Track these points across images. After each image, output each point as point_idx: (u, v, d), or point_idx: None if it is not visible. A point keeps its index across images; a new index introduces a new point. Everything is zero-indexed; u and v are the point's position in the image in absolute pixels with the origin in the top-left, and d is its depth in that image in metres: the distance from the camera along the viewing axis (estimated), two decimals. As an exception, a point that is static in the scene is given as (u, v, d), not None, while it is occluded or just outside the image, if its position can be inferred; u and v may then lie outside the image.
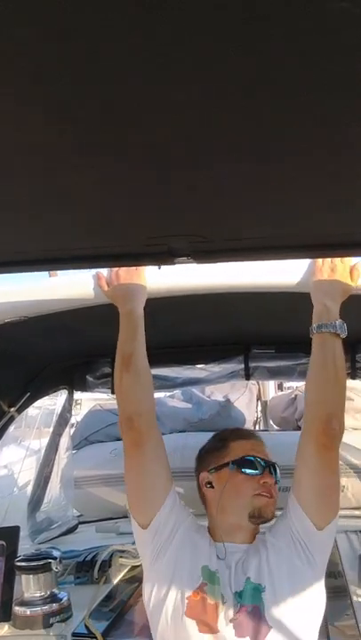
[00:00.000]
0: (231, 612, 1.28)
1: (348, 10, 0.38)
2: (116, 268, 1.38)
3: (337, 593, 1.83)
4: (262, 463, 1.41)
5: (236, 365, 2.13)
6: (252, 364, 2.12)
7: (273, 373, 2.19)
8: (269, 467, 1.42)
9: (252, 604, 1.28)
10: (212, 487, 1.43)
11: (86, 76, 0.46)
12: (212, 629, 1.27)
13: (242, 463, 1.40)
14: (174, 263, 1.03)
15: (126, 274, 1.37)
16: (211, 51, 0.43)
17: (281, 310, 1.70)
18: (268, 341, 2.12)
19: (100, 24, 0.39)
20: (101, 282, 1.38)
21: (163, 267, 1.36)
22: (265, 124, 0.55)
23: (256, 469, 1.39)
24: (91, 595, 1.79)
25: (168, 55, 0.43)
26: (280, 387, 4.76)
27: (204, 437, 2.74)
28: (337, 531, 2.27)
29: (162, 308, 1.52)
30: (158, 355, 2.01)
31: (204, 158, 0.62)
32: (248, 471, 1.39)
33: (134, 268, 1.37)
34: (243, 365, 2.11)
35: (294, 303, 1.52)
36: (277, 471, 1.43)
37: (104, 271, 1.39)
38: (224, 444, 1.47)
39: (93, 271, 1.43)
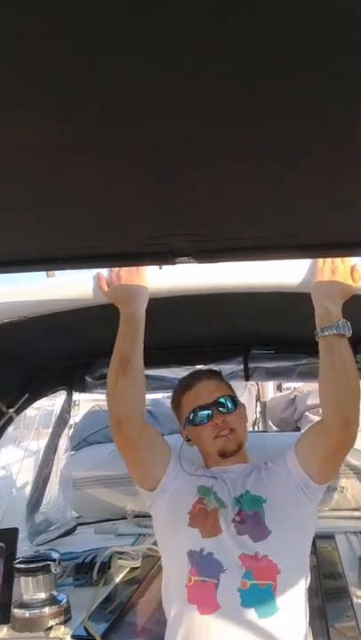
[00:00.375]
0: (232, 514, 1.35)
1: (347, 10, 0.38)
2: (117, 269, 1.37)
3: (337, 594, 1.83)
4: (208, 406, 1.44)
5: (235, 366, 2.13)
6: (251, 365, 2.12)
7: (272, 374, 2.19)
8: (217, 405, 1.45)
9: (253, 510, 1.35)
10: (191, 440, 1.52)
11: (86, 76, 0.46)
12: (215, 532, 1.33)
13: (192, 419, 1.46)
14: (175, 263, 1.03)
15: (127, 274, 1.36)
16: (210, 51, 0.43)
17: (281, 311, 1.70)
18: (267, 342, 2.11)
19: (99, 24, 0.39)
20: (102, 282, 1.38)
21: (163, 267, 1.36)
22: (265, 124, 0.55)
23: (204, 418, 1.44)
24: (90, 597, 1.78)
25: (168, 55, 0.43)
26: (279, 387, 4.76)
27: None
28: (336, 532, 2.30)
29: (161, 308, 1.51)
30: (157, 355, 2.01)
31: (204, 158, 0.62)
32: (198, 422, 1.44)
33: (135, 268, 1.36)
34: (242, 366, 2.11)
35: (294, 304, 1.51)
36: (226, 403, 1.46)
37: (104, 271, 1.39)
38: (177, 405, 1.54)
39: (93, 271, 1.43)
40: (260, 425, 3.77)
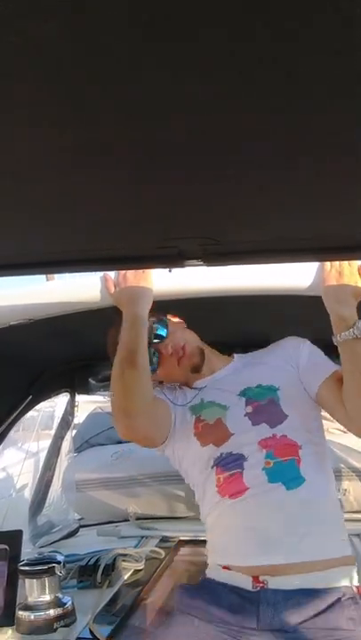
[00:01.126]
0: (241, 410, 1.40)
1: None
2: (124, 271, 1.37)
3: None
4: (150, 341, 1.43)
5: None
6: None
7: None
8: (154, 334, 1.47)
9: (267, 397, 1.40)
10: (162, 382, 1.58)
11: (98, 77, 0.45)
12: (227, 436, 1.37)
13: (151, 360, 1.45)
14: (185, 266, 1.04)
15: (133, 276, 1.36)
16: (219, 52, 0.42)
17: (281, 313, 1.70)
18: (267, 344, 2.10)
19: (105, 25, 0.39)
20: (109, 284, 1.38)
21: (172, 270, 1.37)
22: (275, 127, 0.55)
23: (153, 361, 1.46)
24: (94, 599, 1.78)
25: (175, 56, 0.43)
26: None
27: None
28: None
29: (163, 309, 1.52)
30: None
31: (215, 162, 0.62)
32: (154, 366, 1.46)
33: (141, 270, 1.37)
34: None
35: (299, 306, 1.52)
36: (159, 328, 1.48)
37: (111, 273, 1.39)
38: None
39: (97, 274, 1.43)
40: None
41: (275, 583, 1.26)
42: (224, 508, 1.36)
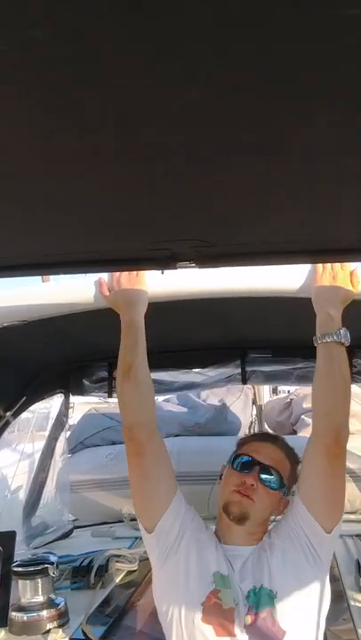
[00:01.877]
0: (243, 614, 1.29)
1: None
2: (118, 274, 1.37)
3: (334, 597, 1.83)
4: (252, 463, 1.39)
5: (232, 369, 2.13)
6: (248, 369, 2.12)
7: (270, 377, 2.19)
8: (260, 469, 1.39)
9: (265, 609, 1.29)
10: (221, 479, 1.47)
11: (87, 78, 0.45)
12: (229, 633, 1.27)
13: (234, 459, 1.42)
14: (177, 268, 1.03)
15: (127, 280, 1.37)
16: (212, 53, 0.42)
17: (278, 315, 1.70)
18: (265, 346, 2.12)
19: (100, 25, 0.39)
20: (103, 288, 1.38)
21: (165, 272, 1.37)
22: (268, 130, 0.55)
23: (243, 467, 1.39)
24: (87, 600, 1.78)
25: (169, 58, 0.43)
26: (275, 391, 4.77)
27: (199, 442, 2.77)
28: (333, 535, 2.31)
29: (159, 311, 1.51)
30: (155, 359, 2.00)
31: (207, 164, 0.63)
32: (235, 466, 1.40)
33: (135, 273, 1.37)
34: (239, 369, 2.11)
35: (292, 308, 1.51)
36: (269, 475, 1.40)
37: (105, 276, 1.39)
38: (238, 444, 1.51)
39: (91, 276, 1.43)
40: (256, 428, 3.77)
41: None
42: None
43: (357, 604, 1.68)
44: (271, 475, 1.40)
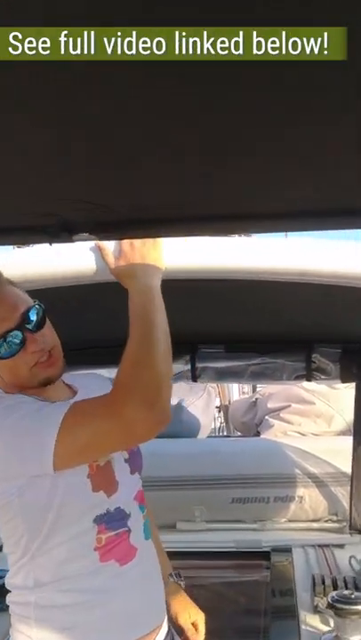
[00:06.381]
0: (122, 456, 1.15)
1: None
2: (129, 240, 1.12)
3: (285, 614, 1.70)
4: (16, 336, 1.06)
5: (182, 366, 1.95)
6: (199, 365, 1.95)
7: (222, 374, 2.01)
8: (24, 328, 1.07)
9: None
10: None
11: None
12: (115, 487, 1.11)
13: None
14: (73, 240, 0.88)
15: (143, 245, 1.12)
16: None
17: (231, 304, 1.54)
18: (217, 340, 1.95)
19: None
20: (107, 256, 1.13)
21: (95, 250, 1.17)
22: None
23: (11, 348, 1.07)
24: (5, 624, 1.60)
25: None
26: (254, 389, 4.58)
27: (148, 445, 2.56)
28: (294, 545, 2.15)
29: (95, 298, 1.35)
30: (89, 354, 1.83)
31: (97, 107, 0.50)
32: (14, 348, 1.06)
33: (151, 240, 1.12)
34: (189, 366, 1.94)
35: (247, 297, 1.39)
36: (36, 316, 1.09)
37: (109, 243, 1.14)
38: None
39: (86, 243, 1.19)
40: (225, 430, 3.62)
41: None
42: (115, 577, 1.10)
43: (309, 629, 1.51)
44: (33, 312, 1.11)
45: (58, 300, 1.18)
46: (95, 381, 1.26)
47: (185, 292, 1.37)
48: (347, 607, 1.34)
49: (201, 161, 0.64)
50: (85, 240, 0.89)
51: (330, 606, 1.39)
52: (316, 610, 1.60)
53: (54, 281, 1.24)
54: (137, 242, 1.12)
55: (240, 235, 1.23)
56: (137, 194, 0.77)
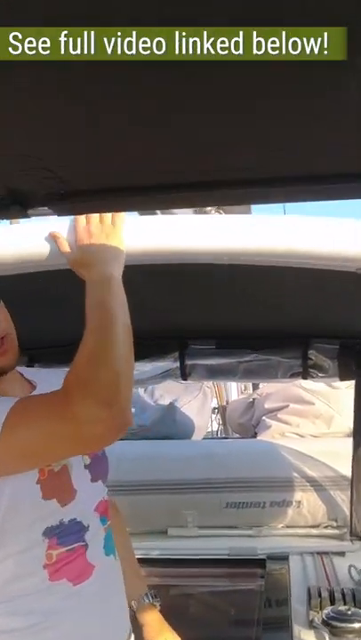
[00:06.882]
0: (79, 458, 1.04)
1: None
2: (84, 224, 1.00)
3: (278, 625, 1.61)
4: None
5: (170, 363, 1.85)
6: (188, 362, 1.84)
7: (213, 373, 1.91)
8: None
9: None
10: None
11: None
12: (71, 495, 1.00)
13: None
14: (29, 216, 0.78)
15: (100, 231, 1.00)
16: None
17: (221, 296, 1.44)
18: (207, 335, 1.85)
19: None
20: (61, 244, 1.02)
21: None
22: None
23: None
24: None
25: None
26: (254, 388, 4.46)
27: (141, 446, 2.48)
28: (291, 552, 2.05)
29: (75, 292, 1.22)
30: (68, 350, 1.73)
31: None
32: None
33: (109, 221, 1.00)
34: (178, 364, 1.84)
35: (239, 290, 1.31)
36: None
37: (64, 232, 1.02)
38: None
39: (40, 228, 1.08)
40: (222, 431, 3.52)
41: None
42: (65, 595, 0.99)
43: (302, 640, 1.41)
44: None
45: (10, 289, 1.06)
46: (62, 376, 1.13)
47: (170, 282, 1.28)
48: (343, 625, 1.24)
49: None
50: (42, 215, 0.80)
51: (325, 623, 1.28)
52: (311, 625, 1.49)
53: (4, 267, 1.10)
54: (93, 226, 1.00)
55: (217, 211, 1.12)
56: (99, 164, 0.68)
